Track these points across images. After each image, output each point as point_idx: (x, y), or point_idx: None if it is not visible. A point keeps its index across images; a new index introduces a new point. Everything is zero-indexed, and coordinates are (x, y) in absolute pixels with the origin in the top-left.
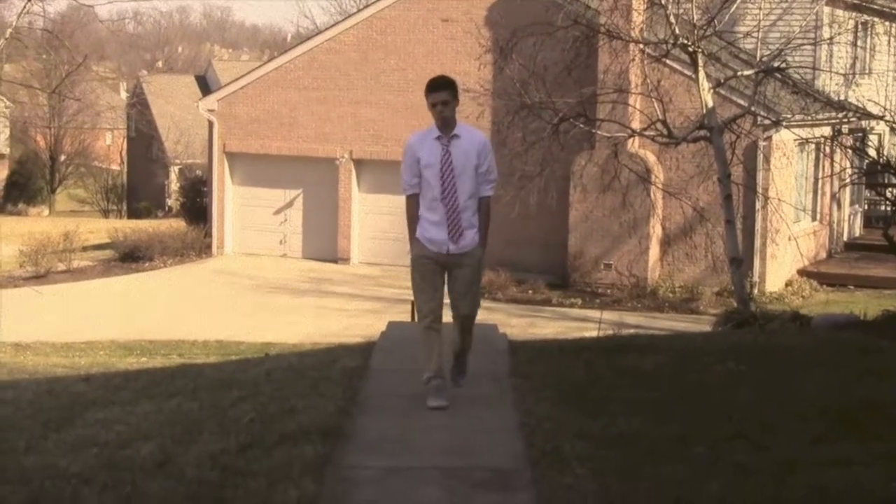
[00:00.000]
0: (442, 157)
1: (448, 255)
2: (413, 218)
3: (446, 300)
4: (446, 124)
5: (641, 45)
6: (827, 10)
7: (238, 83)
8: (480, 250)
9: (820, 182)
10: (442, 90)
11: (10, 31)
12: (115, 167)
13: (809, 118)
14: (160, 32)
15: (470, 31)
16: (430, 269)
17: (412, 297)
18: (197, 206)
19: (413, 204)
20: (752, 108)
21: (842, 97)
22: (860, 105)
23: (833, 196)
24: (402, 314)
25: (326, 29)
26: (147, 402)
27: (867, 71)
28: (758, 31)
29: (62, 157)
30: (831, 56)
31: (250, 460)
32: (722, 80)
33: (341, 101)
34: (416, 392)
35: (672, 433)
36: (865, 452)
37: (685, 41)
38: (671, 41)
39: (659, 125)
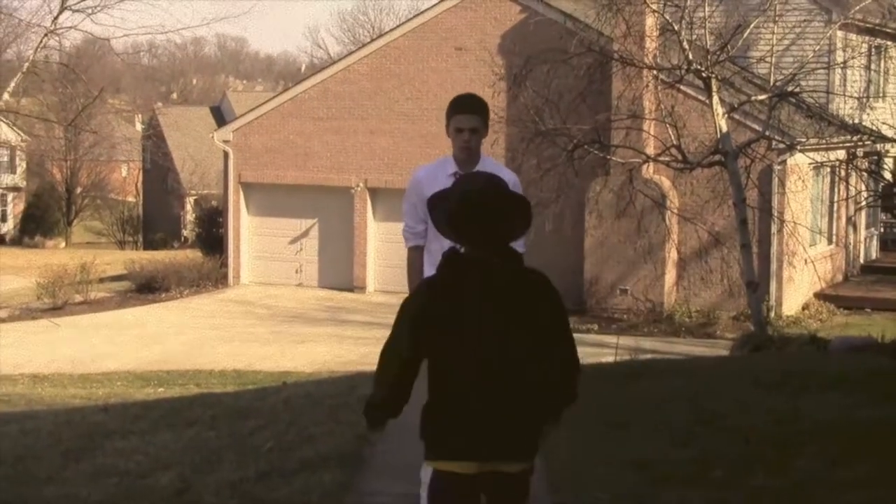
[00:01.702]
0: None
1: None
2: (416, 276)
3: None
4: (470, 157)
5: (655, 72)
6: (840, 34)
7: (253, 114)
8: None
9: (835, 205)
10: (474, 114)
11: (27, 64)
12: (130, 199)
13: (824, 142)
14: (175, 64)
15: (483, 59)
16: None
17: None
18: (213, 237)
19: (416, 259)
20: (767, 133)
21: (856, 121)
22: (875, 128)
23: (849, 219)
24: None
25: (340, 59)
26: (166, 431)
27: (881, 94)
28: (771, 55)
29: (78, 190)
30: (845, 80)
31: (270, 488)
32: (736, 105)
33: (356, 131)
34: None
35: (690, 457)
36: (883, 474)
37: (699, 67)
38: (685, 67)
39: (673, 150)
